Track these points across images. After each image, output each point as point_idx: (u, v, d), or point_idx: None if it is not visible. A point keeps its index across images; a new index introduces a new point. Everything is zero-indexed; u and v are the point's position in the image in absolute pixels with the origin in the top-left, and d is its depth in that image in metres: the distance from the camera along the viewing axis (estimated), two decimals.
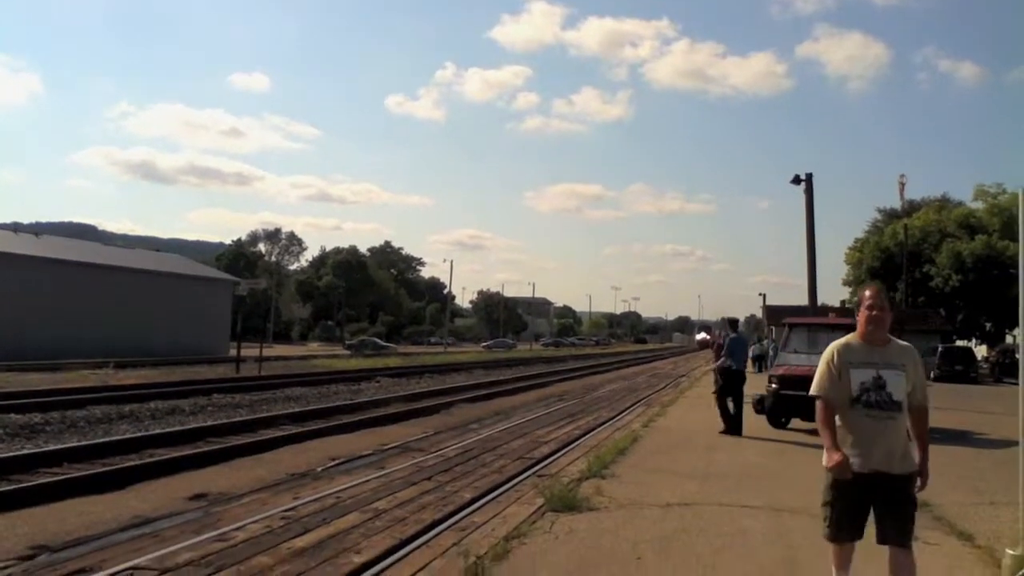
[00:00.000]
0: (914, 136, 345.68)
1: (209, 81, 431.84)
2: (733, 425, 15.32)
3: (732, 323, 17.65)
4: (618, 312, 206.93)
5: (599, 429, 16.16)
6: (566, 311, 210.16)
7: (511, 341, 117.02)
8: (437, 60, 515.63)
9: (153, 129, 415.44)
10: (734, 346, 16.00)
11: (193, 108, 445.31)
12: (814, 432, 15.29)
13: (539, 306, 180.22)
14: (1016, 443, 6.25)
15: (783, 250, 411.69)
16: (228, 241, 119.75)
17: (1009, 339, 52.91)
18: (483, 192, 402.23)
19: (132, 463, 11.50)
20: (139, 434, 14.30)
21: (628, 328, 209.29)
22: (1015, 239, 6.87)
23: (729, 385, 15.58)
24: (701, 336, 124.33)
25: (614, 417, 18.39)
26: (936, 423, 17.21)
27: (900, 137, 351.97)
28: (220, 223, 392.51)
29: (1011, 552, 6.03)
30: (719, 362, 16.03)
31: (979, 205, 58.71)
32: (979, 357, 46.14)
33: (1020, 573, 5.78)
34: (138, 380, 25.97)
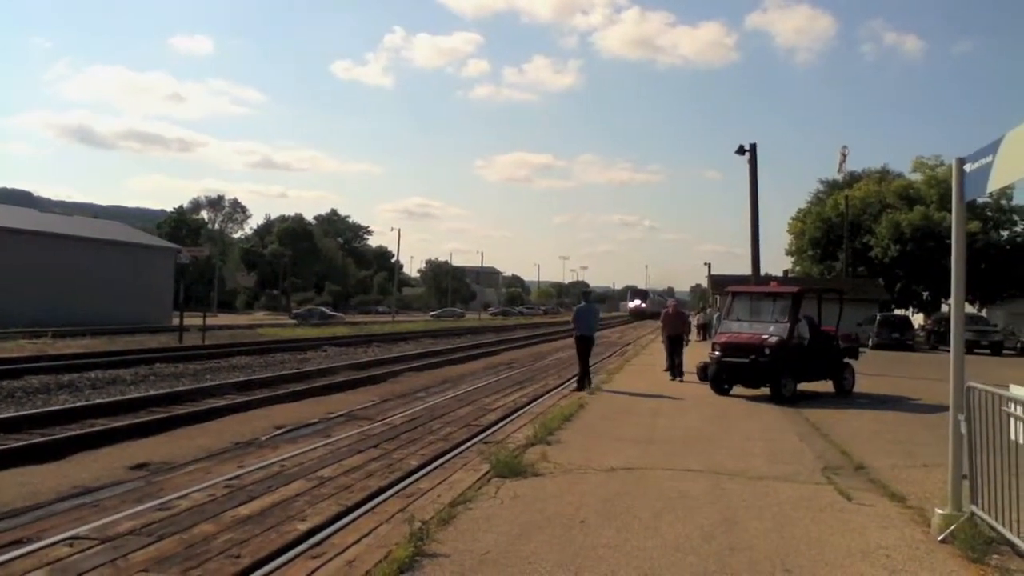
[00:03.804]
0: (857, 108, 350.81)
1: (150, 43, 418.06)
2: (581, 381, 17.16)
3: (584, 294, 19.68)
4: (566, 281, 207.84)
5: (546, 396, 16.30)
6: (515, 280, 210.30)
7: (459, 310, 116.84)
8: (385, 24, 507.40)
9: (92, 92, 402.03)
10: (579, 315, 18.07)
11: (134, 71, 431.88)
12: (755, 398, 15.71)
13: (488, 275, 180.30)
14: (948, 408, 6.45)
15: (730, 220, 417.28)
16: (170, 208, 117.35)
17: (945, 308, 54.36)
18: (432, 160, 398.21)
19: (72, 433, 11.29)
20: (79, 404, 14.02)
21: (576, 297, 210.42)
22: (951, 210, 7.12)
23: (578, 348, 17.60)
24: (634, 304, 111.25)
25: (561, 384, 18.55)
26: (873, 389, 17.79)
27: (844, 109, 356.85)
28: (161, 190, 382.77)
29: (940, 512, 6.26)
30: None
31: (918, 177, 59.94)
32: (916, 325, 47.32)
33: (948, 531, 6.00)
34: (78, 350, 25.40)
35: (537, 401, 15.54)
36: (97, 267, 45.84)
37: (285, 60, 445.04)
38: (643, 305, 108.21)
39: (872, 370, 21.28)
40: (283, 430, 12.25)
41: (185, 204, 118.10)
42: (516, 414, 13.63)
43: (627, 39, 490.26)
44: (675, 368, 19.74)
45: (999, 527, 5.65)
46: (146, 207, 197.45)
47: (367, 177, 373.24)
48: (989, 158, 5.72)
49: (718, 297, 45.55)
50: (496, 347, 36.16)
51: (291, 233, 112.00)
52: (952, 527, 6.02)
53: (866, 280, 52.21)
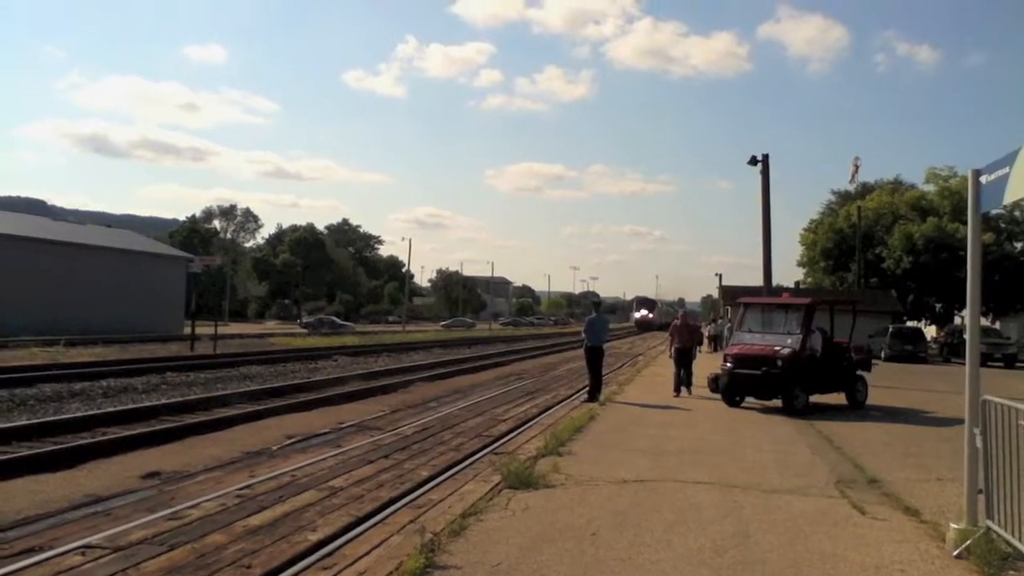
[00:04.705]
0: (869, 119, 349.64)
1: (164, 53, 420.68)
2: (592, 392, 17.17)
3: (595, 304, 19.59)
4: (576, 292, 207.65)
5: (557, 407, 16.26)
6: (525, 290, 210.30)
7: (470, 320, 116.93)
8: (398, 34, 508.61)
9: (106, 101, 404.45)
10: (590, 325, 18.09)
11: (148, 80, 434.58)
12: (767, 410, 15.64)
13: (498, 285, 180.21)
14: (962, 421, 6.40)
15: (741, 231, 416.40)
16: (182, 217, 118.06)
17: (957, 320, 54.06)
18: (443, 170, 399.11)
19: (83, 441, 11.33)
20: (91, 412, 14.07)
21: (586, 308, 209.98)
22: (965, 222, 7.12)
23: (590, 358, 17.61)
24: (640, 314, 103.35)
25: (571, 395, 18.51)
26: (886, 401, 17.68)
27: (856, 120, 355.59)
28: (174, 199, 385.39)
29: (955, 526, 6.20)
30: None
31: (931, 188, 59.65)
32: (928, 337, 47.04)
33: (964, 546, 5.95)
34: (89, 358, 25.51)
35: (548, 412, 15.50)
36: (109, 276, 46.08)
37: (298, 70, 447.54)
38: (650, 316, 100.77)
39: (885, 382, 21.16)
40: (294, 440, 12.24)
41: (197, 213, 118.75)
42: (527, 425, 13.60)
43: (639, 49, 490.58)
44: (685, 380, 18.66)
45: (1015, 542, 5.59)
46: (159, 216, 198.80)
47: (379, 187, 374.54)
48: (1006, 170, 5.68)
49: (729, 308, 45.40)
50: (506, 357, 36.14)
51: (302, 243, 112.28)
52: (968, 542, 5.97)
53: (879, 292, 51.92)
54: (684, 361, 19.01)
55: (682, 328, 19.89)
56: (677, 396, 18.10)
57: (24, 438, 11.49)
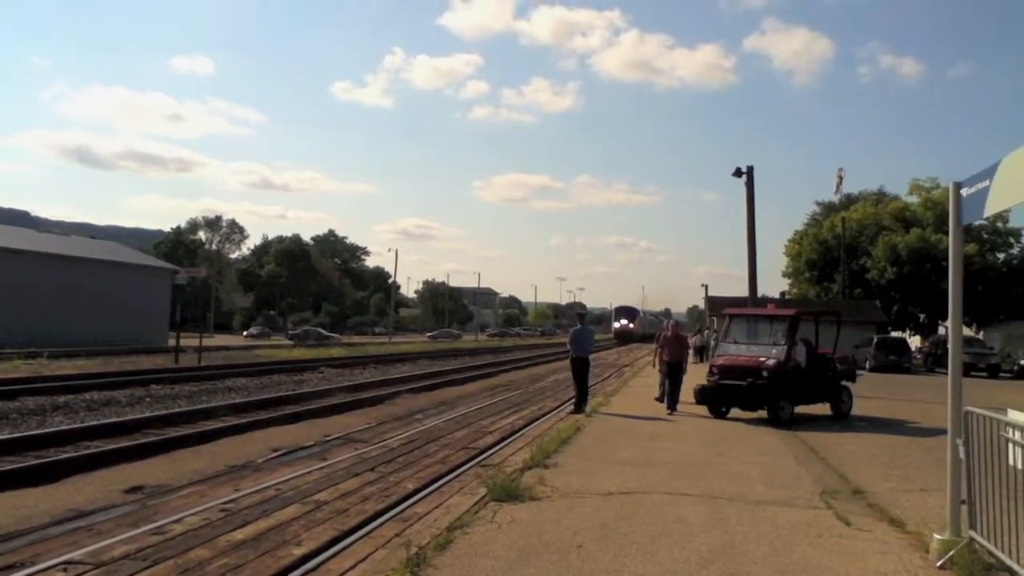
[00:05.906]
0: (854, 131, 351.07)
1: (150, 63, 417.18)
2: (578, 404, 17.18)
3: (579, 315, 19.71)
4: (563, 303, 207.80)
5: (543, 419, 16.24)
6: (512, 301, 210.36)
7: (456, 331, 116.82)
8: (385, 46, 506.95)
9: (91, 112, 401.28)
10: (575, 336, 18.17)
11: (133, 91, 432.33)
12: (752, 421, 15.67)
13: (485, 296, 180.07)
14: (945, 431, 6.44)
15: (726, 242, 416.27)
16: (167, 229, 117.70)
17: (941, 330, 54.39)
18: (430, 181, 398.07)
19: (66, 455, 11.25)
20: (74, 426, 13.98)
21: (572, 319, 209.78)
22: (948, 233, 7.20)
23: (575, 369, 17.69)
24: (620, 324, 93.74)
25: (558, 407, 18.50)
26: (870, 412, 17.76)
27: (840, 131, 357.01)
28: (159, 210, 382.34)
29: (939, 537, 6.23)
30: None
31: (914, 199, 60.17)
32: (913, 348, 47.31)
33: (947, 556, 5.97)
34: (73, 370, 25.34)
35: (534, 423, 15.49)
36: (94, 287, 45.85)
37: (285, 81, 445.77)
38: (631, 326, 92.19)
39: (869, 393, 21.26)
40: (279, 453, 12.20)
41: (183, 224, 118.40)
42: (513, 437, 13.58)
43: (626, 61, 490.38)
44: (671, 398, 17.25)
45: (998, 553, 5.62)
46: (143, 227, 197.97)
47: (365, 198, 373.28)
48: (986, 183, 5.73)
49: (715, 319, 45.53)
50: (493, 368, 36.12)
51: (288, 254, 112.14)
52: (951, 552, 5.99)
53: (863, 302, 52.24)
54: (673, 376, 17.54)
55: (672, 340, 18.22)
56: (670, 413, 16.86)
57: (6, 452, 11.38)
